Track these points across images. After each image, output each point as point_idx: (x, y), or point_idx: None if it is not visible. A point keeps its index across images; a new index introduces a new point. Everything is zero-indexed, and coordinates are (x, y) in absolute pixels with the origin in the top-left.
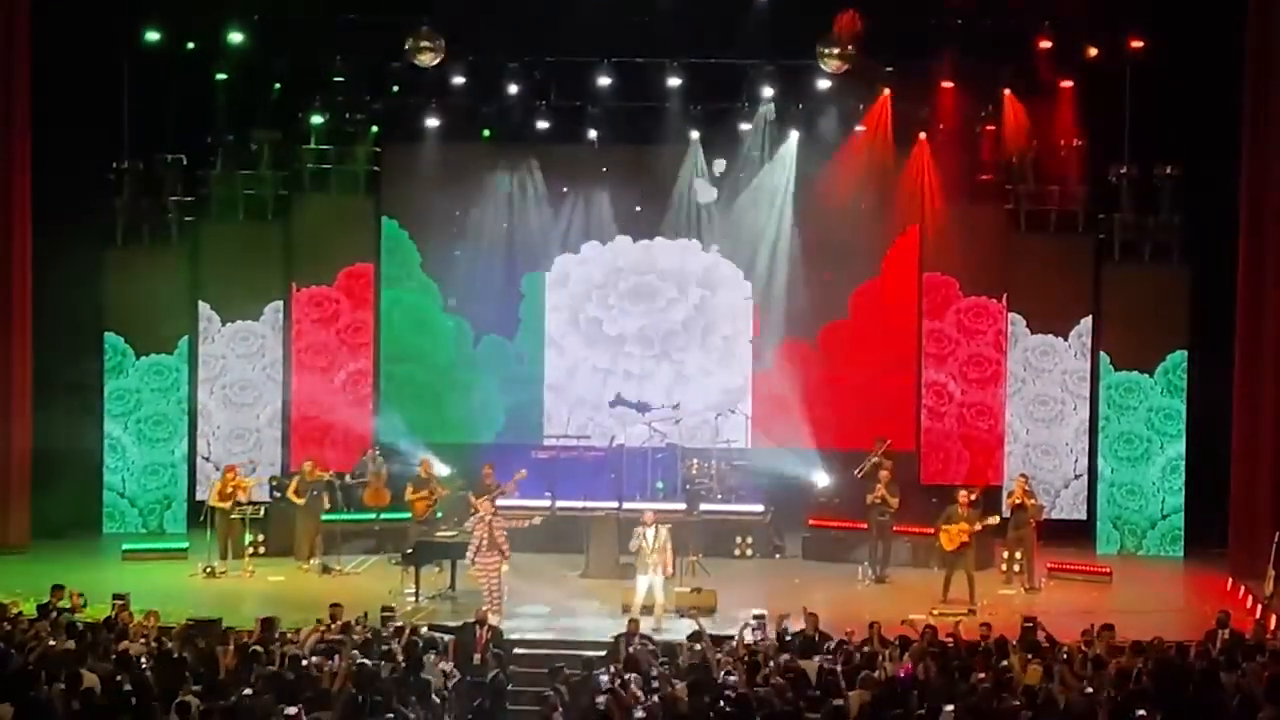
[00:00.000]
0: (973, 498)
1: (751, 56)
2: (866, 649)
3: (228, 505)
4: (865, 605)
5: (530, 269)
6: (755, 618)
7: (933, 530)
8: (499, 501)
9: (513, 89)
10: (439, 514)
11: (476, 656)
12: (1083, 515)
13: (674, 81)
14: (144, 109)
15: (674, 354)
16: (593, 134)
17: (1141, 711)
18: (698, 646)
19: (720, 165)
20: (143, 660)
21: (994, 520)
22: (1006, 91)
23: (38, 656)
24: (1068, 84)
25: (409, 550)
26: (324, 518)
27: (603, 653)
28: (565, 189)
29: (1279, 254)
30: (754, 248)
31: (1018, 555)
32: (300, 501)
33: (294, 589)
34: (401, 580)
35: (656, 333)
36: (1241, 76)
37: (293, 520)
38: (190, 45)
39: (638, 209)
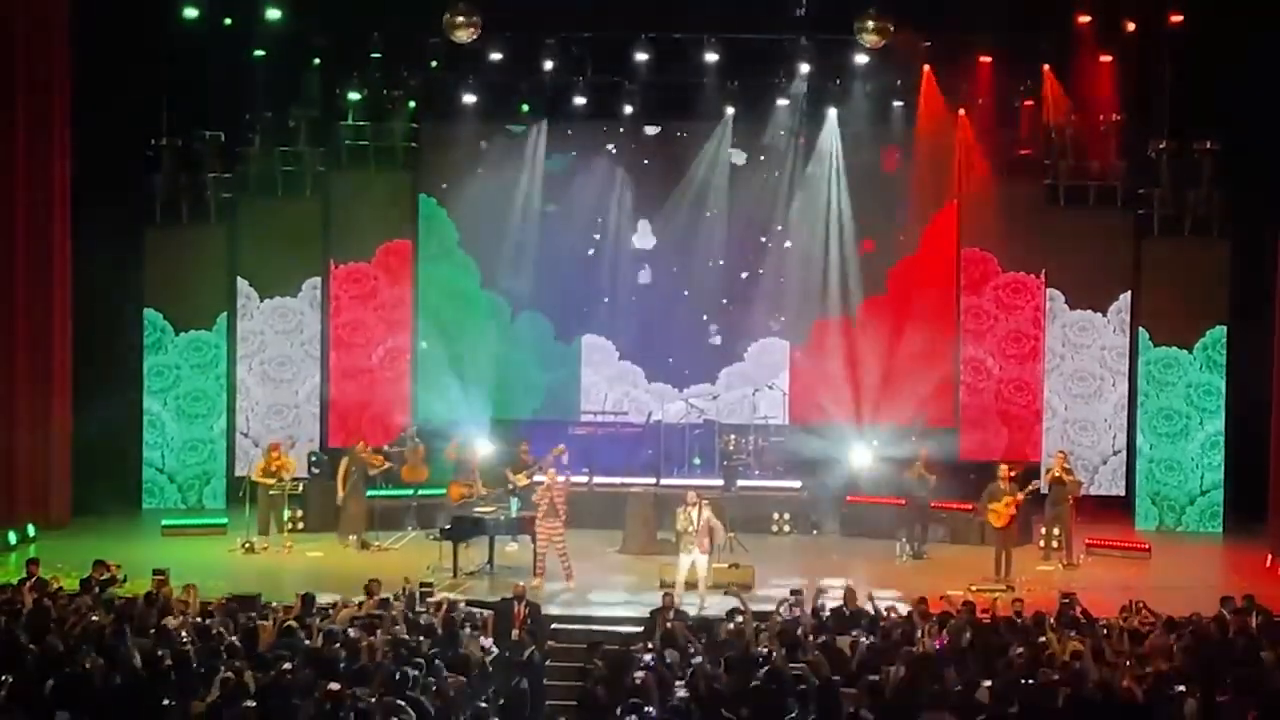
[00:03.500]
0: (1013, 474)
1: (789, 31)
2: (904, 625)
3: (270, 482)
4: (903, 581)
5: (566, 242)
6: (793, 593)
7: (974, 509)
8: (536, 478)
9: (549, 65)
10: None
11: (514, 632)
12: (1121, 491)
13: (711, 57)
14: (182, 86)
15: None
16: (629, 109)
17: (1180, 687)
18: (737, 619)
19: (741, 156)
20: (183, 635)
21: (1035, 485)
22: (1045, 66)
23: (79, 631)
24: (1107, 59)
25: (447, 526)
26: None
27: (640, 628)
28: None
29: None
30: (795, 223)
31: (1056, 531)
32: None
33: (332, 564)
34: (439, 556)
35: None
36: None
37: (332, 496)
38: (228, 22)
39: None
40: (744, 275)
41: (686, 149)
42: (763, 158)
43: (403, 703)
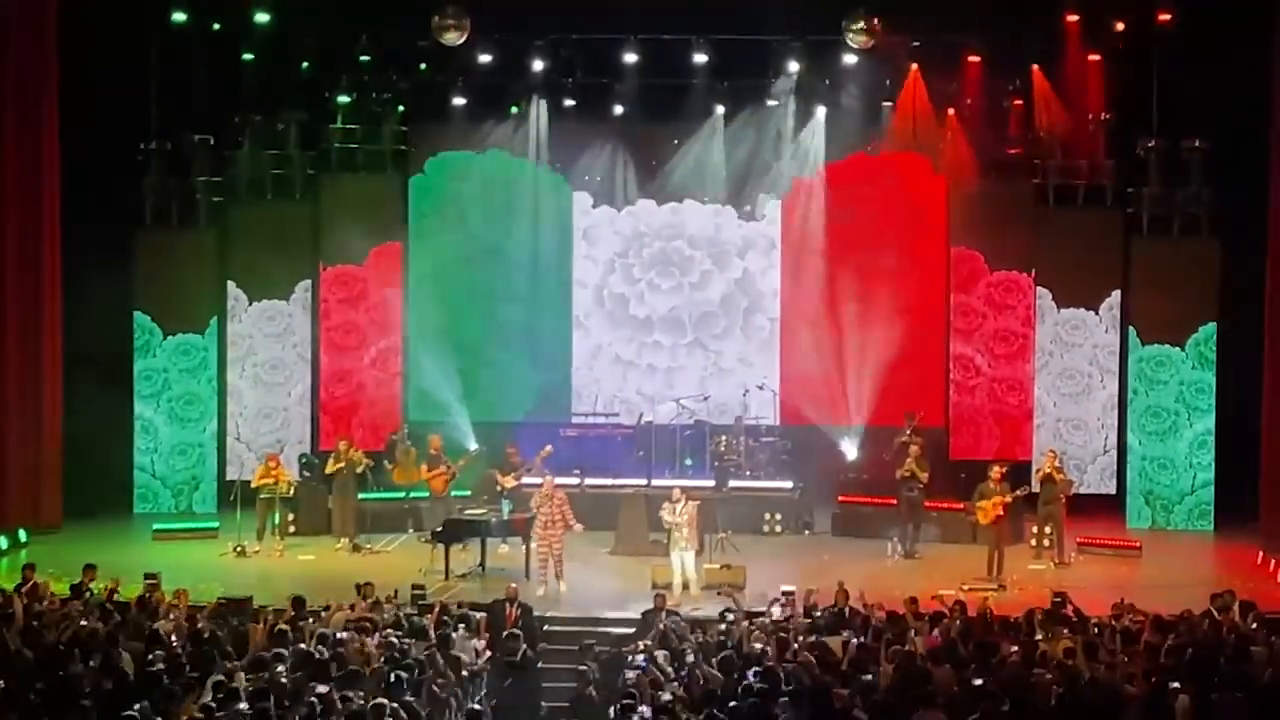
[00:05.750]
0: (1004, 471)
1: (778, 32)
2: (896, 624)
3: (267, 482)
4: (895, 581)
5: (553, 243)
6: (784, 593)
7: (964, 508)
8: (525, 479)
9: (539, 66)
10: (466, 491)
11: (506, 634)
12: (1112, 490)
13: (700, 58)
14: (171, 89)
15: (709, 343)
16: (619, 110)
17: (1175, 684)
18: (729, 620)
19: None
20: (174, 639)
21: (1024, 490)
22: (1034, 66)
23: (70, 636)
24: (1095, 58)
25: (438, 529)
26: (358, 496)
27: (632, 630)
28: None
29: None
30: (783, 222)
31: (1047, 530)
32: (339, 466)
33: (324, 568)
34: (431, 559)
35: (689, 315)
36: (1270, 48)
37: (323, 500)
38: (217, 25)
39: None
40: (734, 275)
41: (678, 147)
42: (752, 156)
43: (396, 705)
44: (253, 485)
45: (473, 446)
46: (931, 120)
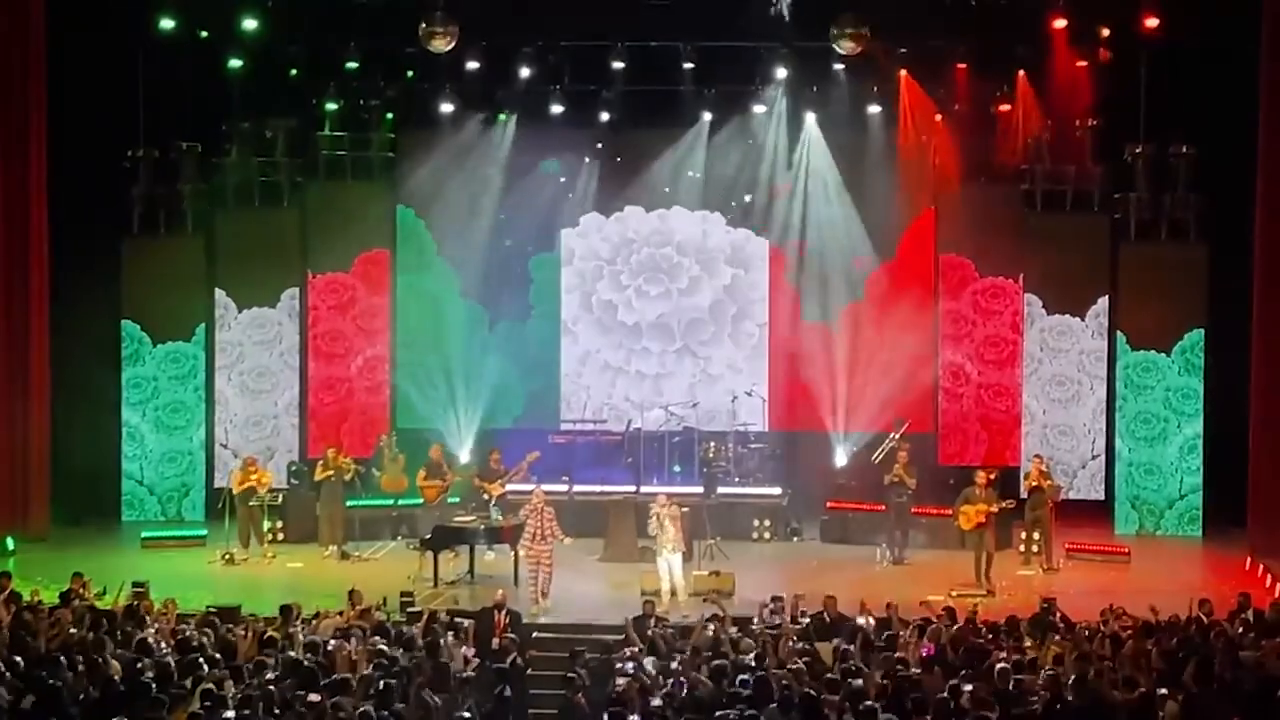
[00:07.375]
0: (991, 477)
1: (765, 39)
2: (886, 631)
3: (251, 482)
4: (883, 587)
5: (542, 250)
6: (773, 600)
7: (950, 512)
8: (509, 485)
9: (526, 73)
10: (455, 498)
11: (495, 641)
12: (1101, 495)
13: (687, 65)
14: (159, 97)
15: (698, 349)
16: (606, 117)
17: (1163, 690)
18: (711, 626)
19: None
20: (163, 647)
21: (1010, 504)
22: (1021, 72)
23: (58, 644)
24: (1083, 63)
25: (427, 536)
26: (346, 504)
27: (621, 637)
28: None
29: None
30: (771, 229)
31: (1036, 536)
32: (327, 474)
33: (313, 575)
34: (420, 566)
35: (678, 321)
36: (1258, 53)
37: (311, 507)
38: (204, 33)
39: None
40: (723, 282)
41: (666, 154)
42: (740, 162)
43: (385, 713)
44: (235, 491)
45: (464, 459)
46: (919, 127)
